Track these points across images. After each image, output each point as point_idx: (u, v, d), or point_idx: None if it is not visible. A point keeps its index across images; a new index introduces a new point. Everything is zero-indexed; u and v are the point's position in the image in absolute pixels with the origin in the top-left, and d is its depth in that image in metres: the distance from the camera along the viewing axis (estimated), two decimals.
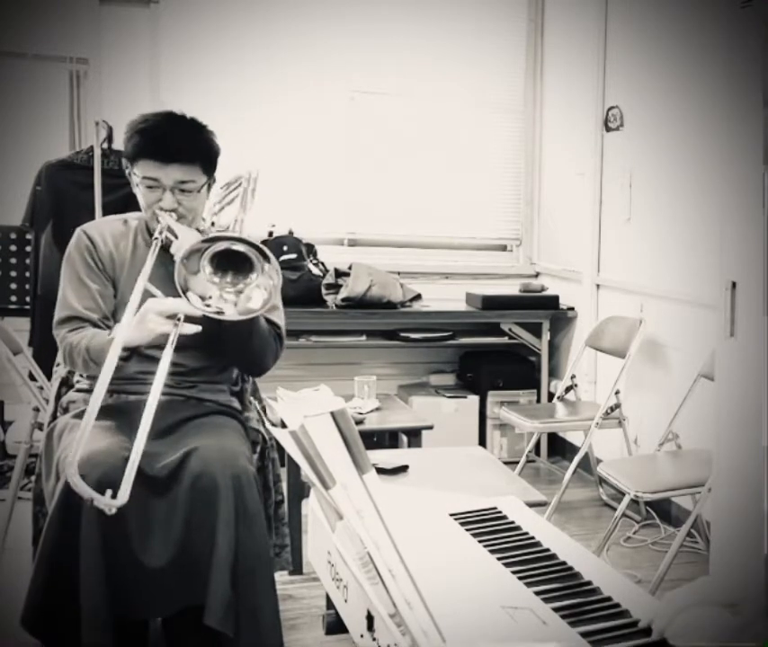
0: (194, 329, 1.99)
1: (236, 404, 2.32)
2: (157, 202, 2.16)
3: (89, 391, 2.21)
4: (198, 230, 2.25)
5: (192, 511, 1.93)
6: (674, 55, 3.58)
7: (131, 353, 2.07)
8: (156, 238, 2.13)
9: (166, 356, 1.95)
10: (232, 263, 2.00)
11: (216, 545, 1.89)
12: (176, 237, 2.11)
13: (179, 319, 1.97)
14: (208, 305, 1.97)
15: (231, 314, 1.99)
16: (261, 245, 1.98)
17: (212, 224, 2.40)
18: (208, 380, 2.26)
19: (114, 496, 1.75)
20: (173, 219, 2.14)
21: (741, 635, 1.13)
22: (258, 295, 2.00)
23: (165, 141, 2.14)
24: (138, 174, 2.16)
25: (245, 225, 2.33)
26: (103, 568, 1.84)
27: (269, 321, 2.23)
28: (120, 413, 2.12)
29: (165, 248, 2.14)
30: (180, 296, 1.96)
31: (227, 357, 2.26)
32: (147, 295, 2.05)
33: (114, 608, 1.86)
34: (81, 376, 2.27)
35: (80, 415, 2.11)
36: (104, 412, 2.11)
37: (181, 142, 2.15)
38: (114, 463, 1.90)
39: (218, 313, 1.97)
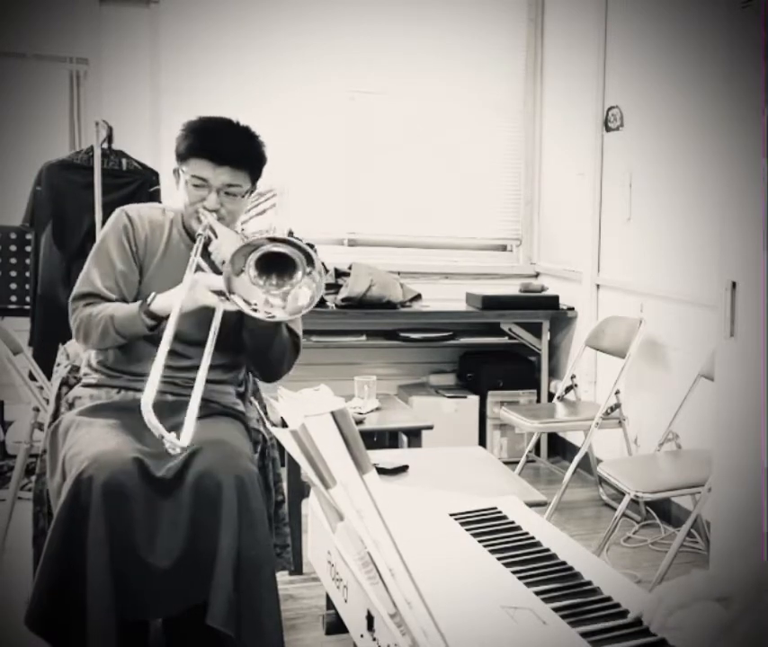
0: (236, 307, 2.01)
1: (240, 407, 2.33)
2: (201, 201, 2.19)
3: (96, 386, 2.22)
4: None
5: (196, 512, 1.93)
6: (673, 55, 3.59)
7: (158, 324, 2.08)
8: (201, 234, 2.17)
9: (215, 327, 2.05)
10: (275, 266, 2.02)
11: (219, 545, 1.90)
12: (216, 236, 2.15)
13: (225, 296, 2.01)
14: (255, 309, 2.01)
15: (281, 315, 2.03)
16: (305, 246, 2.00)
17: (241, 230, 2.42)
18: (216, 380, 2.27)
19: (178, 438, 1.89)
20: (214, 218, 2.18)
21: (734, 629, 1.13)
22: (305, 293, 2.03)
23: (219, 144, 2.19)
24: (186, 172, 2.20)
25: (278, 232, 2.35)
26: (110, 568, 1.84)
27: (289, 329, 2.26)
28: (129, 412, 2.11)
29: (204, 246, 2.18)
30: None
31: (246, 360, 2.30)
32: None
33: (120, 609, 1.86)
34: (89, 367, 2.27)
35: (86, 412, 2.12)
36: (112, 410, 2.13)
37: (234, 146, 2.21)
38: (122, 464, 1.90)
39: (269, 316, 2.02)
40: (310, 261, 2.00)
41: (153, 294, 2.10)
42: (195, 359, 2.21)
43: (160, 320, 2.08)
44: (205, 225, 2.17)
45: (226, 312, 2.14)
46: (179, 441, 1.89)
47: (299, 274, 2.02)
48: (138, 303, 2.12)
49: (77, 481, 1.87)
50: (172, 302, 2.05)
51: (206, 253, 2.17)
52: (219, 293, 2.03)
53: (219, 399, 2.26)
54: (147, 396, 1.89)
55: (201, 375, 2.02)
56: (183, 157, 2.22)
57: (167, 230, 2.29)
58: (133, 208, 2.32)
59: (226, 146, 2.19)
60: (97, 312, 2.14)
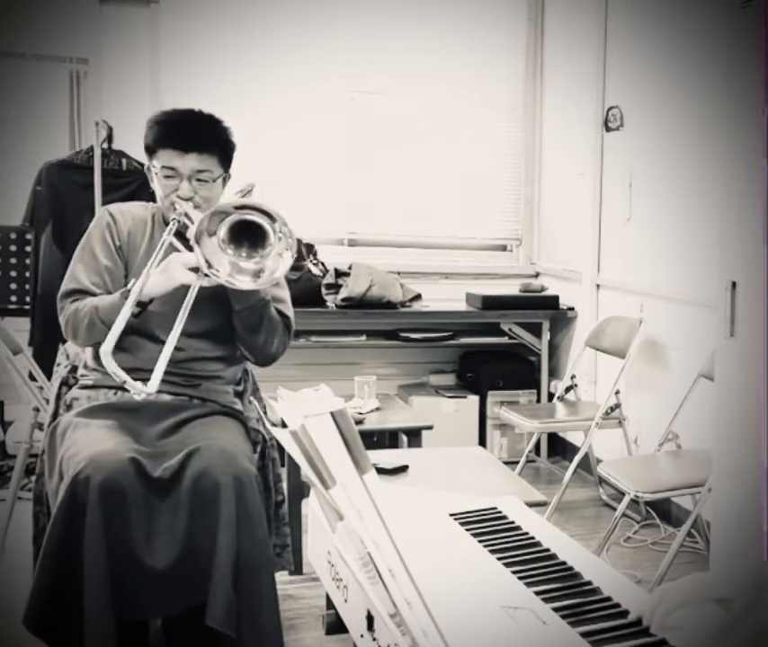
0: (214, 283, 2.04)
1: (239, 406, 2.33)
2: (175, 191, 2.21)
3: (93, 387, 2.22)
4: None
5: (194, 512, 1.93)
6: (674, 55, 3.59)
7: (144, 309, 2.09)
8: (174, 218, 2.19)
9: (186, 306, 2.04)
10: (247, 235, 2.04)
11: (217, 545, 1.90)
12: (192, 222, 2.16)
13: (203, 273, 2.03)
14: (215, 274, 2.03)
15: (248, 285, 2.06)
16: (271, 209, 2.03)
17: None
18: (214, 375, 2.27)
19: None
20: (190, 206, 2.20)
21: (734, 629, 1.13)
22: (284, 261, 2.05)
23: (184, 131, 2.21)
24: (156, 165, 2.23)
25: None
26: (107, 568, 1.85)
27: (279, 312, 2.27)
28: (126, 413, 2.13)
29: (181, 234, 2.18)
30: None
31: (237, 341, 2.29)
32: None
33: (117, 609, 1.86)
34: (86, 368, 2.27)
35: (83, 414, 2.13)
36: (109, 411, 2.13)
37: (199, 132, 2.23)
38: (119, 465, 1.90)
39: (230, 284, 2.04)
40: (275, 220, 2.03)
41: (133, 280, 2.11)
42: (192, 351, 2.22)
43: (144, 305, 2.09)
44: (180, 212, 2.19)
45: (222, 300, 2.15)
46: (145, 388, 1.93)
47: (272, 242, 2.05)
48: (120, 291, 2.13)
49: (74, 481, 1.87)
50: (153, 282, 2.07)
51: (184, 240, 2.17)
52: (195, 270, 2.05)
53: (217, 398, 2.26)
54: (108, 345, 1.95)
55: (174, 335, 2.04)
56: (151, 151, 2.25)
57: (150, 224, 2.31)
58: (115, 206, 2.35)
59: (190, 133, 2.21)
60: (83, 306, 2.15)
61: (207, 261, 2.01)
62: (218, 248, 2.03)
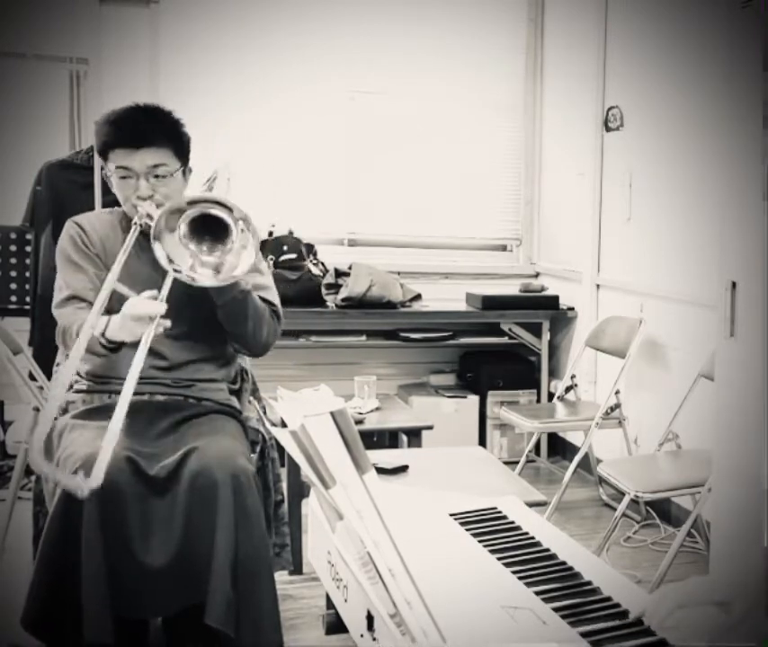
0: (166, 323, 1.98)
1: (236, 404, 2.32)
2: (134, 193, 2.16)
3: (87, 391, 2.22)
4: None
5: (192, 511, 1.93)
6: (674, 55, 3.58)
7: (118, 348, 2.05)
8: (136, 222, 2.13)
9: (141, 353, 1.93)
10: (209, 230, 2.03)
11: (215, 544, 1.90)
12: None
13: (157, 317, 1.97)
14: (177, 270, 2.01)
15: (209, 282, 2.03)
16: (230, 203, 2.01)
17: None
18: (206, 378, 2.26)
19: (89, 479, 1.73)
20: (152, 207, 2.13)
21: (733, 633, 1.13)
22: (244, 258, 2.02)
23: (133, 127, 2.14)
24: (111, 167, 2.17)
25: None
26: (104, 567, 1.85)
27: (264, 300, 2.25)
28: None
29: (147, 235, 2.14)
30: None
31: (227, 336, 2.26)
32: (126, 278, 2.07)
33: (115, 608, 1.86)
34: (80, 376, 2.27)
35: (79, 416, 2.13)
36: (105, 413, 2.12)
37: (149, 126, 2.16)
38: (115, 463, 1.90)
39: (191, 280, 2.02)
40: (232, 210, 2.00)
41: (108, 318, 2.02)
42: (179, 356, 2.22)
43: (119, 344, 2.02)
44: (141, 214, 2.13)
45: (204, 299, 2.14)
46: (88, 481, 1.73)
47: (233, 236, 2.02)
48: (99, 329, 2.02)
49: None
50: (116, 334, 2.01)
51: (149, 243, 2.14)
52: (150, 318, 1.96)
53: (212, 396, 2.26)
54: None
55: (133, 371, 1.92)
56: (104, 155, 2.19)
57: (119, 229, 2.26)
58: (81, 217, 2.30)
59: (140, 128, 2.14)
60: (69, 325, 2.10)
61: (168, 257, 1.99)
62: (180, 243, 2.01)
